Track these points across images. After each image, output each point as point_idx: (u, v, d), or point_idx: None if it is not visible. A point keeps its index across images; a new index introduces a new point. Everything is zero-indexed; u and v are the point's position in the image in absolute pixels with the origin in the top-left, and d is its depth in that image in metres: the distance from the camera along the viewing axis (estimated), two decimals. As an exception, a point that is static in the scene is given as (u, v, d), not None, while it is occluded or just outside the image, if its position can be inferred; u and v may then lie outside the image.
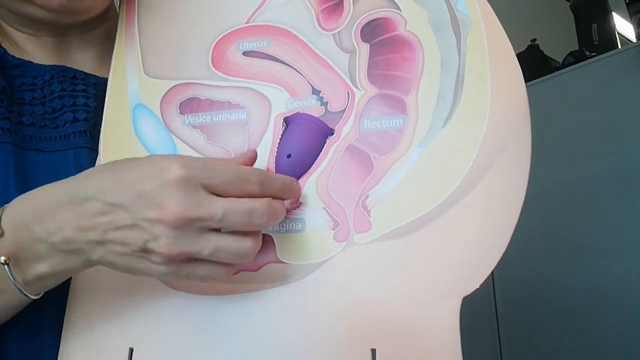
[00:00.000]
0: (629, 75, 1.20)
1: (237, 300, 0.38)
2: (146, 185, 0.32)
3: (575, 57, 1.43)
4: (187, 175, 0.32)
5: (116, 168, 0.34)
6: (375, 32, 0.43)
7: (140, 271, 0.34)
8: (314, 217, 0.39)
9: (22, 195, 0.36)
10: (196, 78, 0.45)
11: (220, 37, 0.47)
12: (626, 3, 1.42)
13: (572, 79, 1.32)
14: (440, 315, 0.35)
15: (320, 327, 0.36)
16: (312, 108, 0.42)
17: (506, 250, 0.36)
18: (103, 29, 0.54)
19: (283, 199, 0.37)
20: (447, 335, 0.35)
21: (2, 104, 0.44)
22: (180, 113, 0.45)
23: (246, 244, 0.33)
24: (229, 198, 0.33)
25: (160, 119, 0.45)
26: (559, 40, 1.80)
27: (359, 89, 0.42)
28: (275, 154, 0.41)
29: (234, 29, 0.47)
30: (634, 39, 1.85)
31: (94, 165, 0.45)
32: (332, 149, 0.40)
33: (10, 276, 0.34)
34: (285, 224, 0.39)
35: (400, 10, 0.43)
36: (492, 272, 0.36)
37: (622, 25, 1.97)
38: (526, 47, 1.60)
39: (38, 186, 0.36)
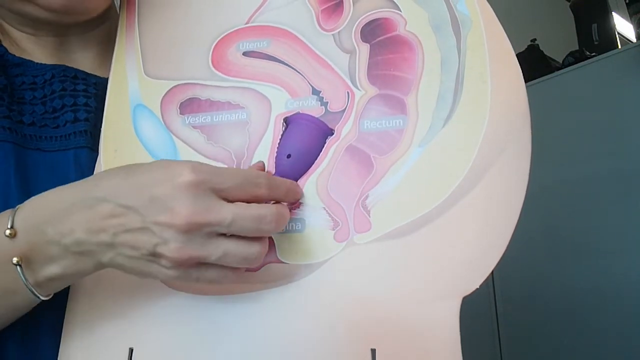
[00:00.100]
0: (629, 75, 1.20)
1: (237, 300, 0.38)
2: (158, 189, 0.32)
3: (575, 57, 1.43)
4: (198, 179, 0.32)
5: (129, 171, 0.34)
6: (375, 32, 0.43)
7: (150, 274, 0.34)
8: (314, 217, 0.39)
9: (35, 197, 0.36)
10: (196, 78, 0.45)
11: (220, 37, 0.47)
12: (626, 3, 1.42)
13: (572, 79, 1.32)
14: (440, 315, 0.35)
15: (320, 327, 0.36)
16: (312, 108, 0.42)
17: (506, 250, 0.36)
18: (103, 29, 0.54)
19: (286, 202, 0.38)
20: (447, 335, 0.35)
21: (2, 103, 0.44)
22: (180, 113, 0.45)
23: (254, 249, 0.34)
24: (237, 203, 0.33)
25: (161, 119, 0.45)
26: (559, 40, 1.80)
27: (359, 89, 0.42)
28: (275, 154, 0.41)
29: (234, 29, 0.47)
30: (634, 39, 1.85)
31: (94, 165, 0.45)
32: (332, 149, 0.40)
33: (22, 277, 0.34)
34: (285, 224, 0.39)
35: (400, 11, 0.43)
36: (492, 272, 0.36)
37: (622, 25, 1.97)
38: (526, 47, 1.60)
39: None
